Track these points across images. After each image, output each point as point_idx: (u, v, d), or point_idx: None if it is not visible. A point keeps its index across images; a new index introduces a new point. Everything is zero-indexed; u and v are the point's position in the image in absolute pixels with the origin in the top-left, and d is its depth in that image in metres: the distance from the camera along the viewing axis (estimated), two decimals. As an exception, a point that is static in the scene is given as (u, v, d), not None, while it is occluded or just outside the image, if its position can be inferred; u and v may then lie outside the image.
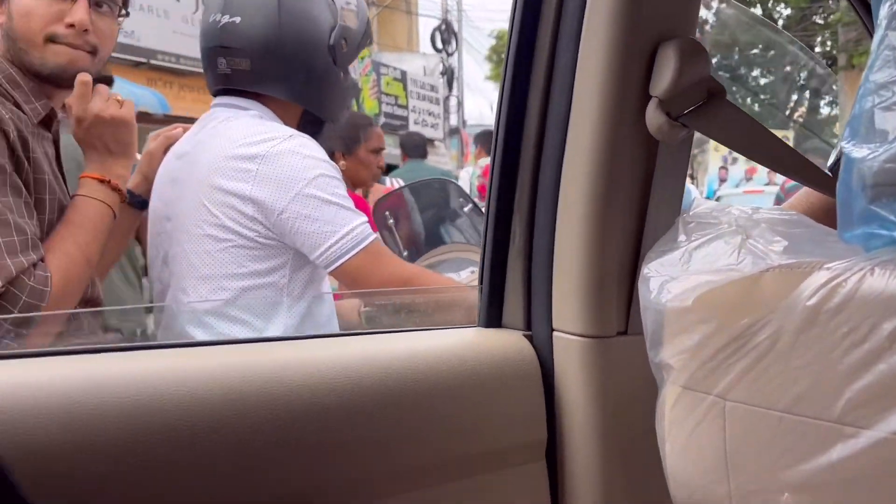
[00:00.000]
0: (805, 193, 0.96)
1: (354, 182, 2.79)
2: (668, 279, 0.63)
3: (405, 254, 2.46)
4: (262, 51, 1.30)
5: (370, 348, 0.75)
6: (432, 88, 14.38)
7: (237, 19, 1.29)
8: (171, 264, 1.32)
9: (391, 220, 2.51)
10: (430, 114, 14.07)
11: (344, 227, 1.23)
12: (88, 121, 1.18)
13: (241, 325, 1.27)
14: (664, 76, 0.72)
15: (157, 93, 7.80)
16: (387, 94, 12.54)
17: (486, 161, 3.87)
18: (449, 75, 15.21)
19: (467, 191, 3.73)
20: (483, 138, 5.44)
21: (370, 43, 1.54)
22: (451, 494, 0.74)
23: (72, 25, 1.15)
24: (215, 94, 1.40)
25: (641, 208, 0.78)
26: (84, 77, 1.17)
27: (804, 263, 0.55)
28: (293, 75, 1.34)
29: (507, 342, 0.81)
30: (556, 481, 0.79)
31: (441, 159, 13.29)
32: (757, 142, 0.79)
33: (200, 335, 1.25)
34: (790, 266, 0.56)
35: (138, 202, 1.40)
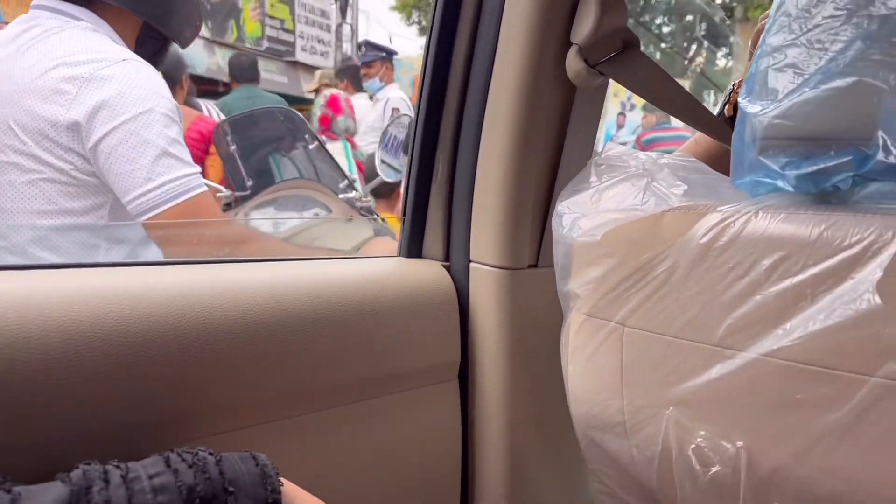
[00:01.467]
0: (694, 142, 1.03)
1: None
2: (580, 216, 0.69)
3: (249, 183, 2.16)
4: None
5: (299, 273, 0.77)
6: (323, 14, 13.62)
7: None
8: None
9: (233, 147, 2.19)
10: (319, 41, 13.27)
11: (163, 176, 1.10)
12: None
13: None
14: (585, 24, 0.76)
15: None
16: (271, 17, 11.62)
17: (330, 91, 3.64)
18: (342, 2, 14.58)
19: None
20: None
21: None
22: (371, 409, 0.79)
23: None
24: None
25: (557, 149, 0.83)
26: None
27: (700, 205, 0.62)
28: None
29: (427, 271, 0.86)
30: (467, 399, 0.86)
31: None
32: (665, 91, 0.85)
33: None
34: (688, 207, 0.63)
35: None
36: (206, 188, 1.16)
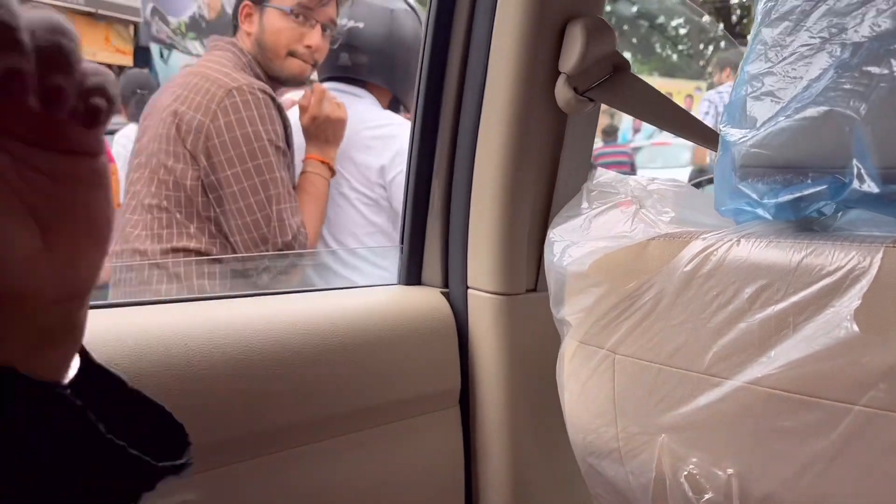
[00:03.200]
0: None
1: None
2: (570, 244, 0.70)
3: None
4: (378, 49, 1.63)
5: (297, 307, 0.79)
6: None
7: (361, 24, 1.62)
8: None
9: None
10: None
11: None
12: (321, 119, 1.48)
13: (372, 265, 1.57)
14: (571, 53, 0.77)
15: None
16: None
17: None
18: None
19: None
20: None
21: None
22: (373, 438, 0.80)
23: (309, 46, 1.49)
24: (322, 81, 1.68)
25: (551, 175, 0.84)
26: (321, 87, 1.51)
27: (685, 233, 0.63)
28: (396, 70, 1.66)
29: (426, 299, 0.87)
30: (468, 425, 0.87)
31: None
32: (657, 109, 0.86)
33: (349, 274, 1.53)
34: (673, 235, 0.63)
35: None
36: None
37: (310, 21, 1.47)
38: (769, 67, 0.58)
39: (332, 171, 1.51)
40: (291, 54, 1.48)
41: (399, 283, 0.92)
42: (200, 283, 1.39)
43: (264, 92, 1.38)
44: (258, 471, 0.72)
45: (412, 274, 0.91)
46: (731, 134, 0.60)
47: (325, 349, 0.75)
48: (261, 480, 0.72)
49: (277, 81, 1.50)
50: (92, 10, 8.20)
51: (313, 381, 0.74)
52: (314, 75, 1.65)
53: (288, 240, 1.36)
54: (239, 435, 0.70)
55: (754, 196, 0.58)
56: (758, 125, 0.58)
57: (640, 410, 0.65)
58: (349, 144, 1.55)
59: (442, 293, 0.88)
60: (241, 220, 1.35)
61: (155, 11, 9.39)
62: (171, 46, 9.32)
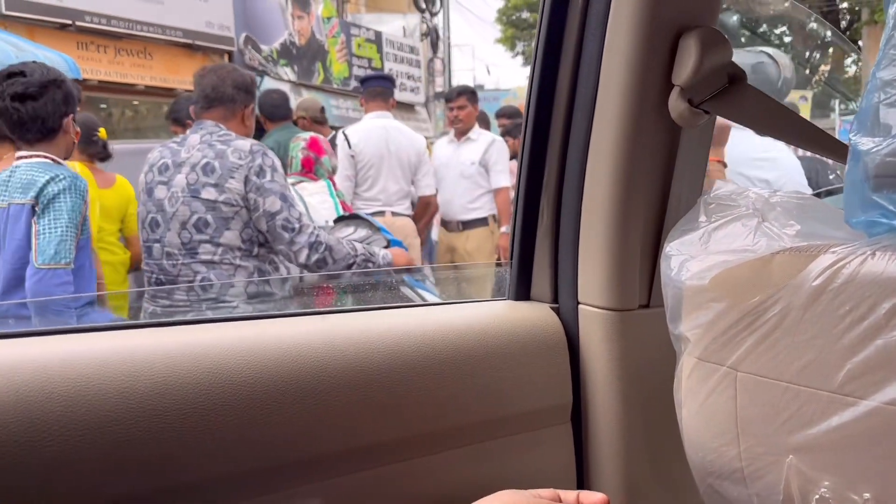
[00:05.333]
0: None
1: None
2: (688, 258, 0.68)
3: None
4: None
5: (409, 322, 0.81)
6: (412, 50, 13.59)
7: None
8: None
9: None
10: (409, 77, 13.31)
11: None
12: (719, 126, 1.80)
13: None
14: (685, 66, 0.76)
15: (67, 56, 6.14)
16: (359, 57, 11.98)
17: (307, 135, 3.24)
18: (432, 37, 14.56)
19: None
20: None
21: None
22: (484, 453, 0.80)
23: None
24: None
25: (664, 189, 0.83)
26: None
27: (813, 246, 0.60)
28: None
29: (536, 314, 0.87)
30: (580, 442, 0.86)
31: (421, 125, 12.68)
32: (777, 120, 0.83)
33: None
34: (800, 249, 0.61)
35: None
36: None
37: None
38: (905, 72, 0.56)
39: (724, 164, 1.99)
40: None
41: (508, 298, 0.93)
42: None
43: None
44: (366, 484, 0.73)
45: (521, 289, 0.91)
46: (863, 143, 0.58)
47: (436, 363, 0.77)
48: (369, 494, 0.73)
49: None
50: (189, 41, 8.75)
51: (424, 395, 0.75)
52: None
53: None
54: (349, 447, 0.72)
55: (891, 207, 0.55)
56: (893, 133, 0.55)
57: (764, 430, 0.63)
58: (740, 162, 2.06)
59: (552, 308, 0.88)
60: None
61: (248, 40, 9.85)
62: (263, 73, 9.74)
